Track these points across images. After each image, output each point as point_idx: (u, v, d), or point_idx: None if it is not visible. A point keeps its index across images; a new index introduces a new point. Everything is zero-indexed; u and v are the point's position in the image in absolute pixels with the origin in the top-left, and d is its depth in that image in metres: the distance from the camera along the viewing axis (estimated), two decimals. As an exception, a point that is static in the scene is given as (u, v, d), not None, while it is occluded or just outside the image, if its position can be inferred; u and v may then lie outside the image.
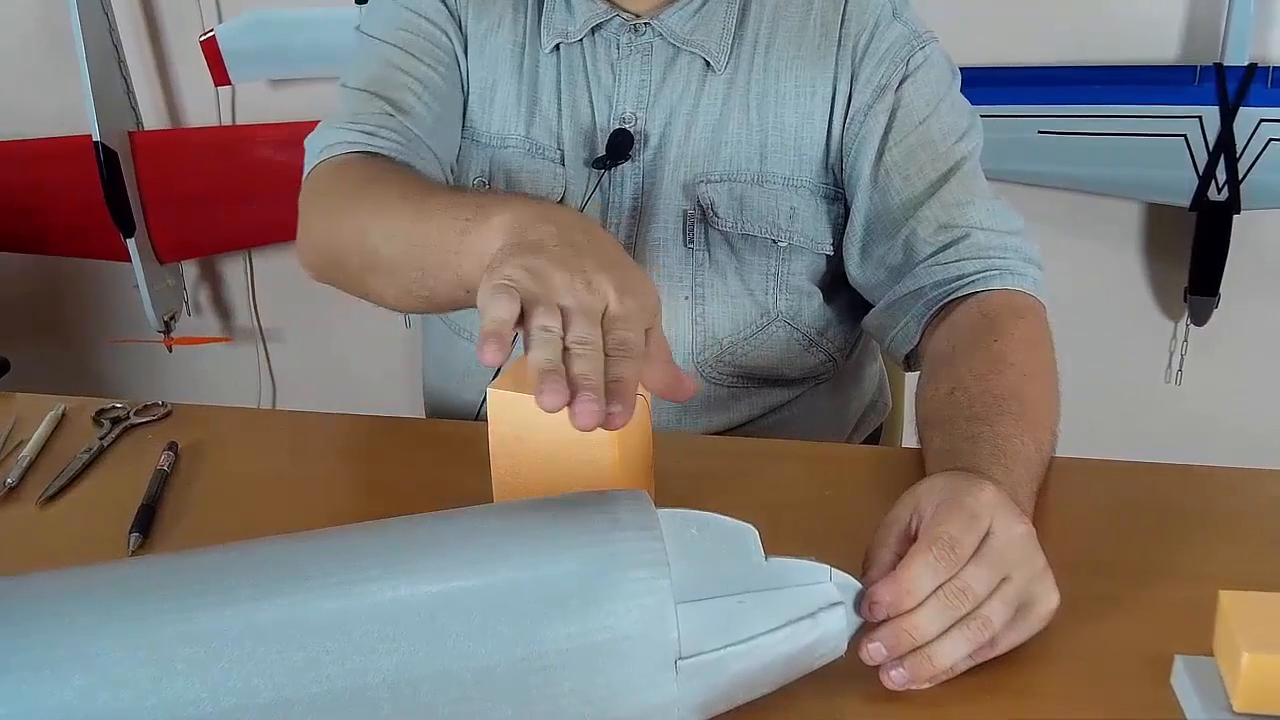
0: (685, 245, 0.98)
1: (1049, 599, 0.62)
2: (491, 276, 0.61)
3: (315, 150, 0.94)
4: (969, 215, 0.93)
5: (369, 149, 0.92)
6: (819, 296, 1.02)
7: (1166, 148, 1.66)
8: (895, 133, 0.96)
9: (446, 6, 1.00)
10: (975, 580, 0.59)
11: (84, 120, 1.86)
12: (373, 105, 0.95)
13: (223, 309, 2.21)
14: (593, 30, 0.98)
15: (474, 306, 0.64)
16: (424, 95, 0.97)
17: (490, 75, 1.00)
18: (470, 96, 1.01)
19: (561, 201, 0.98)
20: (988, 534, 0.61)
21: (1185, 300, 1.77)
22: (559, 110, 0.99)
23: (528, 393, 0.73)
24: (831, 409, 1.08)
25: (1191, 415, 1.89)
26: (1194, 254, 1.73)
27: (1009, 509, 0.62)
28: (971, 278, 0.91)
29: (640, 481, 0.76)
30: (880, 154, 0.96)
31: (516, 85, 1.00)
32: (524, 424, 0.74)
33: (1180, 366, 1.87)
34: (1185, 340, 1.86)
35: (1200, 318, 1.78)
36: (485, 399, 0.95)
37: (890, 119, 0.95)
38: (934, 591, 0.59)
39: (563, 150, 0.99)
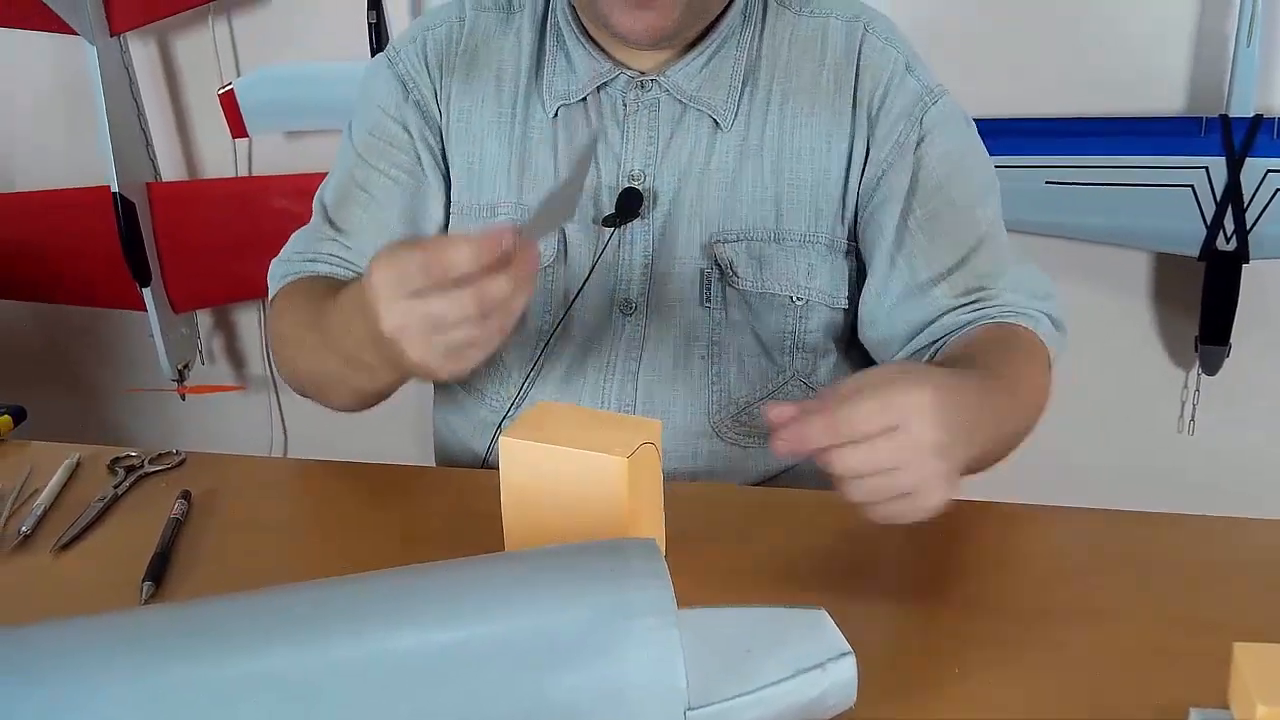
0: (703, 305, 0.98)
1: (934, 493, 0.67)
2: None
3: (275, 280, 1.04)
4: (997, 283, 0.95)
5: (312, 274, 1.02)
6: (834, 355, 1.02)
7: (1174, 198, 1.67)
8: (918, 198, 0.96)
9: (412, 96, 1.02)
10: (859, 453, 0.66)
11: (103, 171, 1.89)
12: (321, 230, 1.04)
13: (236, 357, 2.23)
14: (597, 89, 0.98)
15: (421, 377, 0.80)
16: (371, 207, 1.02)
17: (476, 150, 1.01)
18: (459, 175, 1.02)
19: (556, 259, 0.99)
20: (897, 429, 0.66)
21: (1196, 350, 1.77)
22: (555, 172, 0.99)
23: (540, 441, 0.73)
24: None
25: (1205, 465, 1.87)
26: (1204, 303, 1.73)
27: (933, 416, 0.66)
28: (990, 319, 0.93)
29: (651, 530, 0.76)
30: (904, 219, 0.96)
31: (506, 154, 1.00)
32: (536, 472, 0.74)
33: (1193, 416, 1.87)
34: (1197, 390, 1.85)
35: (1211, 367, 1.77)
36: (495, 444, 0.96)
37: (912, 182, 0.95)
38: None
39: None
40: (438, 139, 1.03)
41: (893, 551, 0.81)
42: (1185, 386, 1.87)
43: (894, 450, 0.66)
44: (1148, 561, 0.79)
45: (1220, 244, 1.68)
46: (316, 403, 0.99)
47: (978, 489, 0.88)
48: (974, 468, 0.78)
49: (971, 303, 0.94)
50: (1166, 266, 1.82)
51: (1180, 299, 1.82)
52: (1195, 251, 1.69)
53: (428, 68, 1.02)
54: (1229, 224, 1.66)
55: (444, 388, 1.10)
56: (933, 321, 0.95)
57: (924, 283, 0.95)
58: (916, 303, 0.96)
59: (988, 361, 0.86)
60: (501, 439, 0.74)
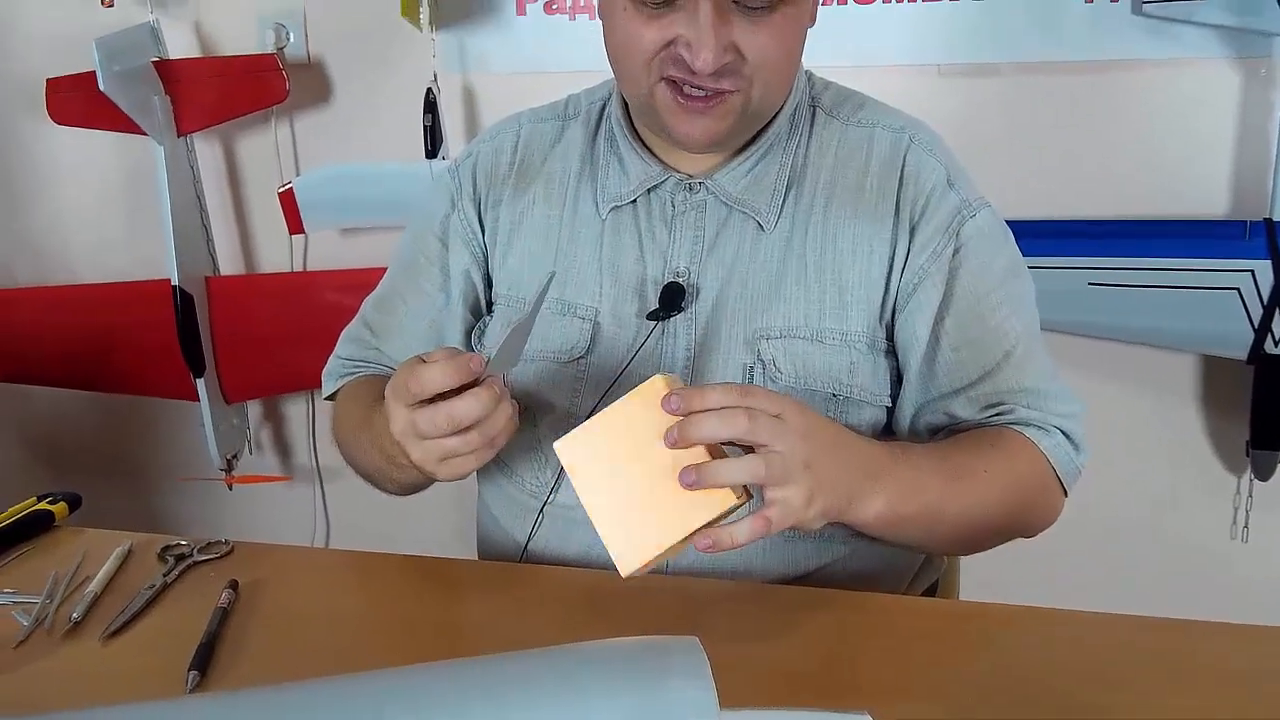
0: None
1: (794, 494, 0.77)
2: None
3: (330, 379, 1.16)
4: (1019, 399, 0.98)
5: (357, 375, 1.15)
6: None
7: (1220, 300, 1.66)
8: (949, 310, 0.98)
9: (457, 211, 1.09)
10: (755, 405, 0.76)
11: (163, 265, 1.95)
12: (361, 335, 1.16)
13: (283, 448, 2.26)
14: (648, 191, 1.02)
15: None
16: (406, 317, 1.13)
17: (524, 253, 1.06)
18: (511, 273, 1.07)
19: (588, 352, 1.02)
20: (779, 417, 0.77)
21: (1248, 454, 1.74)
22: (600, 269, 1.03)
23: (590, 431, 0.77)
24: (889, 561, 1.07)
25: (1260, 571, 1.83)
26: (1254, 407, 1.71)
27: (813, 423, 0.79)
28: (995, 425, 0.96)
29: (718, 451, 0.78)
30: (934, 330, 0.98)
31: (552, 255, 1.05)
32: (598, 451, 0.77)
33: (1246, 523, 1.83)
34: (1250, 495, 1.82)
35: (1264, 472, 1.74)
36: (536, 531, 0.96)
37: (945, 294, 0.98)
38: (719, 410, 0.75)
39: (599, 307, 1.02)
40: (476, 255, 1.09)
41: (934, 654, 0.80)
42: (1238, 492, 1.83)
43: (771, 428, 0.75)
44: (1200, 670, 0.77)
45: (1269, 347, 1.66)
46: (380, 489, 1.08)
47: (1025, 593, 0.87)
48: (895, 535, 0.87)
49: (991, 417, 0.98)
50: (1215, 369, 1.81)
51: (1230, 402, 1.79)
52: (1244, 354, 1.68)
53: (475, 183, 1.09)
54: (1277, 327, 1.65)
55: (487, 476, 1.12)
56: (949, 429, 0.98)
57: (946, 393, 0.99)
58: (938, 411, 0.99)
59: (942, 447, 0.92)
60: (555, 445, 0.78)
